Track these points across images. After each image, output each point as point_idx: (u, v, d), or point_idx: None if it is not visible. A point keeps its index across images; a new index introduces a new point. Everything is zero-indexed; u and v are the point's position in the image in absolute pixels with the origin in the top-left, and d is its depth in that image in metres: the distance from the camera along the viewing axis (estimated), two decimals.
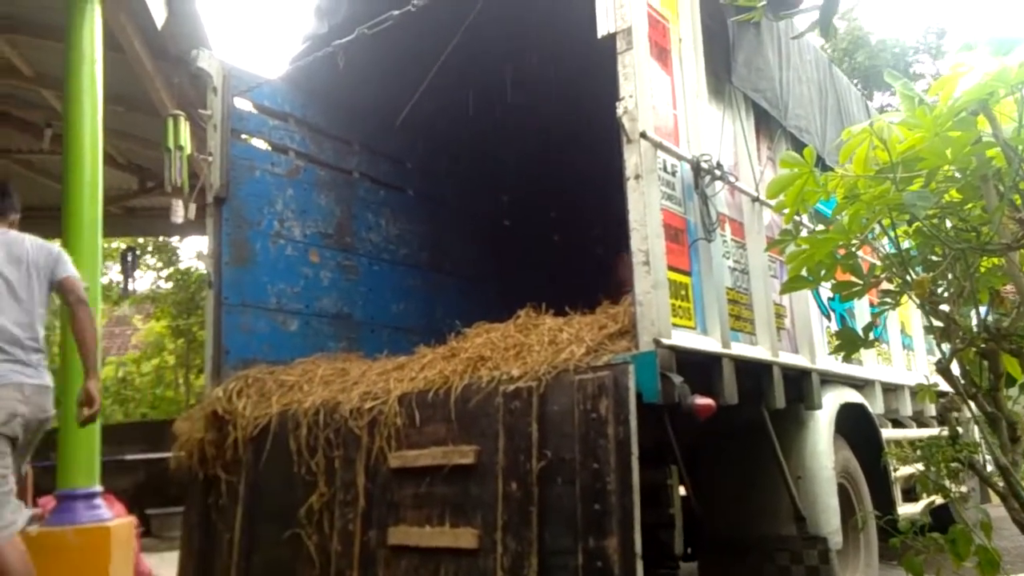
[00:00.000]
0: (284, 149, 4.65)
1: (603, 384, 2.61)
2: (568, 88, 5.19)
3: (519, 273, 5.90)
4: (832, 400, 3.88)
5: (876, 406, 4.56)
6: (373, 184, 5.22)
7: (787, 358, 3.63)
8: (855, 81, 16.86)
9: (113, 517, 4.24)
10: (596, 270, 5.72)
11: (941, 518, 3.74)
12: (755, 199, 3.64)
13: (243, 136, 4.47)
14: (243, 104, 4.51)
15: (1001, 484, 2.43)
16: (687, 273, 3.02)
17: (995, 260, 2.57)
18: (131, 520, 4.56)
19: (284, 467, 3.38)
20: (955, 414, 3.18)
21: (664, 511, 2.81)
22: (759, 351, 3.43)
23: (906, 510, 4.39)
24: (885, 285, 2.79)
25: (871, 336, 2.83)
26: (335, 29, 4.27)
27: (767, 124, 4.03)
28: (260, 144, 4.62)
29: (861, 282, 2.72)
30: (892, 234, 2.57)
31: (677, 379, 2.62)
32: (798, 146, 3.96)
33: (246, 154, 4.42)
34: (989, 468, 2.70)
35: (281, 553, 3.33)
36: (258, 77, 4.53)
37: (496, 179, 6.19)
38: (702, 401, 2.66)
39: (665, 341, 2.68)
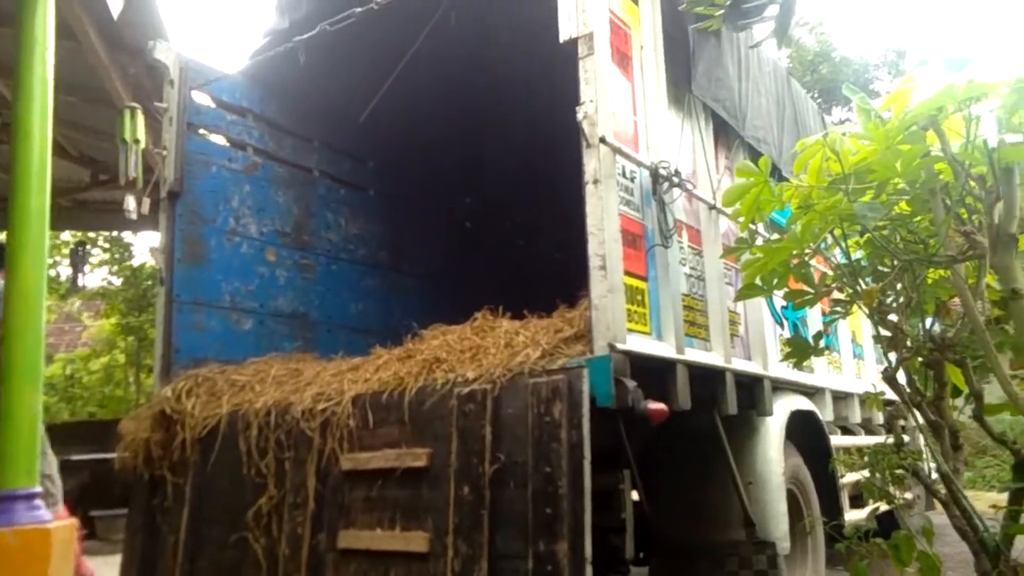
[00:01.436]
0: (242, 145, 4.57)
1: (557, 388, 2.60)
2: (532, 91, 5.20)
3: (480, 275, 5.88)
4: (783, 407, 3.94)
5: (826, 413, 4.64)
6: (333, 182, 5.17)
7: (740, 365, 3.67)
8: (815, 94, 17.23)
9: (53, 519, 4.11)
10: (556, 274, 5.72)
11: (889, 524, 3.82)
12: (712, 207, 3.69)
13: (200, 131, 4.39)
14: (201, 98, 4.43)
15: (943, 491, 2.48)
16: (643, 279, 3.04)
17: (942, 272, 2.62)
18: (72, 522, 4.42)
19: (233, 469, 3.32)
20: (901, 422, 3.26)
21: (616, 516, 2.81)
22: (713, 357, 3.46)
23: (853, 516, 4.48)
24: (837, 294, 2.84)
25: (821, 344, 2.88)
26: (296, 24, 4.22)
27: (725, 133, 4.08)
28: (217, 139, 4.54)
29: (813, 291, 2.77)
30: (843, 244, 2.62)
31: (631, 384, 2.63)
32: (756, 156, 4.01)
33: (202, 149, 4.34)
34: (934, 476, 2.75)
35: (227, 557, 3.26)
36: (216, 71, 4.46)
37: (459, 180, 6.17)
38: (655, 406, 2.67)
39: (620, 346, 2.69)
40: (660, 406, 2.71)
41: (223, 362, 3.99)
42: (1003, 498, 2.45)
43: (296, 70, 4.08)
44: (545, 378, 2.66)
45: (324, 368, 3.60)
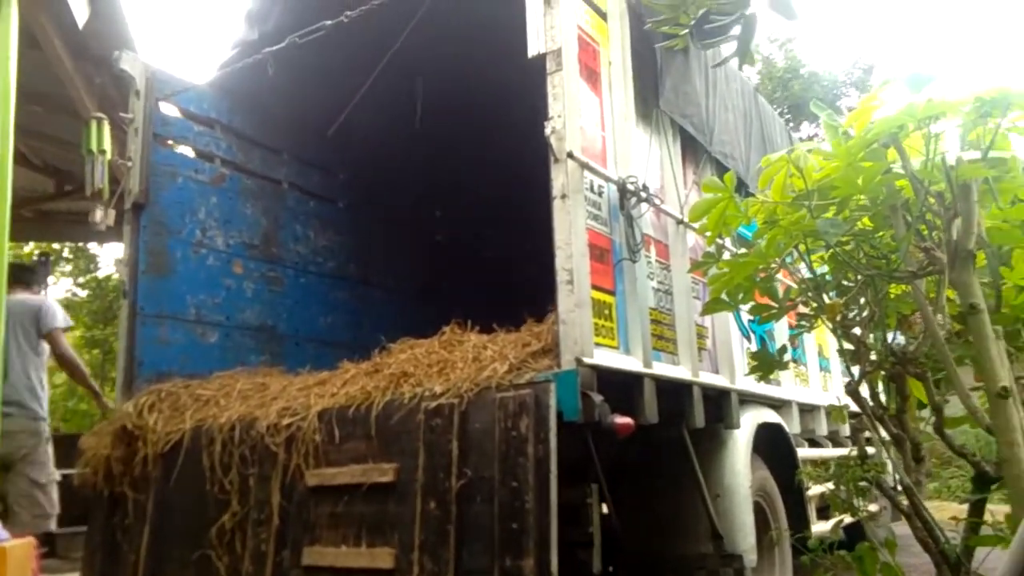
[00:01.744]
0: (209, 156, 4.53)
1: (524, 402, 2.60)
2: (505, 104, 5.21)
3: (450, 288, 5.87)
4: (750, 420, 3.96)
5: (793, 426, 4.67)
6: (302, 195, 5.14)
7: (707, 378, 3.69)
8: (785, 109, 17.50)
9: (9, 537, 4.01)
10: (528, 287, 5.73)
11: (858, 535, 3.84)
12: (680, 222, 3.71)
13: (167, 142, 4.34)
14: (168, 109, 4.38)
15: (906, 503, 2.52)
16: (611, 293, 3.05)
17: (904, 286, 2.66)
18: (29, 540, 4.33)
19: (196, 485, 3.26)
20: (867, 434, 3.29)
21: (583, 530, 2.80)
22: (680, 371, 3.48)
23: (820, 528, 4.51)
24: (803, 308, 2.87)
25: (786, 358, 2.90)
26: (265, 36, 4.20)
27: (693, 149, 4.12)
28: (184, 150, 4.50)
29: (777, 305, 2.80)
30: (807, 259, 2.65)
31: (597, 398, 2.63)
32: (723, 171, 4.03)
33: (168, 160, 4.29)
34: (899, 487, 2.78)
35: (189, 575, 3.20)
36: (184, 82, 4.42)
37: (430, 193, 6.16)
38: (621, 420, 2.68)
39: (587, 360, 2.69)
40: (626, 420, 2.71)
41: (188, 376, 3.93)
42: (965, 509, 2.49)
43: (265, 81, 4.06)
44: (512, 392, 2.66)
45: (291, 382, 3.57)
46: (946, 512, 2.56)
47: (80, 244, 12.32)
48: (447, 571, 2.54)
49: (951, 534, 2.43)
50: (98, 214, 5.80)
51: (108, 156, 4.82)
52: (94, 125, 4.87)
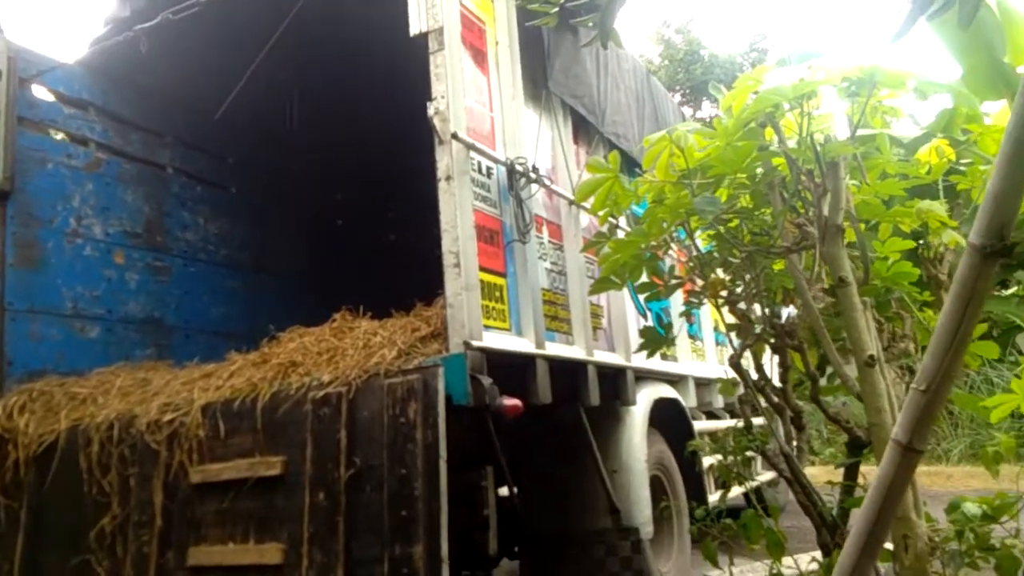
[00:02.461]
0: (83, 140, 4.27)
1: (412, 388, 2.56)
2: (400, 83, 5.09)
3: (349, 274, 5.74)
4: (647, 396, 4.04)
5: (689, 400, 4.80)
6: (189, 180, 4.91)
7: (602, 357, 3.73)
8: (687, 91, 17.89)
9: None
10: (427, 271, 5.66)
11: (761, 503, 3.98)
12: (572, 202, 3.72)
13: (36, 125, 4.06)
14: (37, 91, 4.10)
15: (787, 470, 2.61)
16: (502, 275, 3.03)
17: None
18: None
19: (73, 488, 3.09)
20: (752, 405, 3.40)
21: (479, 513, 2.80)
22: (575, 351, 3.50)
23: (717, 498, 4.66)
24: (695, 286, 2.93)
25: (673, 334, 2.96)
26: (138, 13, 3.97)
27: (585, 130, 4.13)
28: (55, 134, 4.22)
29: (662, 283, 2.84)
30: (692, 237, 2.70)
31: (486, 381, 2.61)
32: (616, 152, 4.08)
33: (37, 145, 4.02)
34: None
35: None
36: (52, 60, 4.14)
37: (326, 176, 5.99)
38: (510, 402, 2.67)
39: (476, 343, 2.67)
40: (514, 402, 2.70)
41: (64, 374, 3.72)
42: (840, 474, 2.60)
43: (142, 60, 3.85)
44: (400, 378, 2.61)
45: (175, 376, 3.41)
46: (839, 476, 2.67)
47: None
48: (337, 563, 2.49)
49: (828, 498, 2.54)
50: None
51: None
52: None
